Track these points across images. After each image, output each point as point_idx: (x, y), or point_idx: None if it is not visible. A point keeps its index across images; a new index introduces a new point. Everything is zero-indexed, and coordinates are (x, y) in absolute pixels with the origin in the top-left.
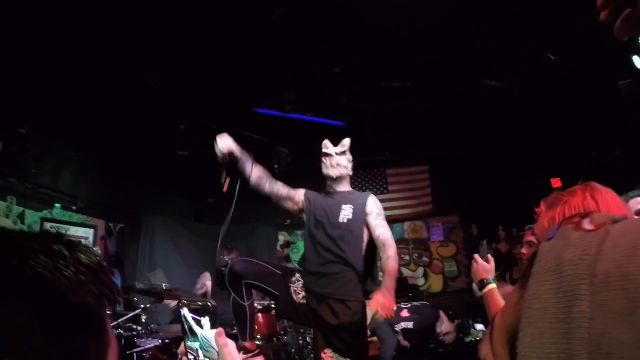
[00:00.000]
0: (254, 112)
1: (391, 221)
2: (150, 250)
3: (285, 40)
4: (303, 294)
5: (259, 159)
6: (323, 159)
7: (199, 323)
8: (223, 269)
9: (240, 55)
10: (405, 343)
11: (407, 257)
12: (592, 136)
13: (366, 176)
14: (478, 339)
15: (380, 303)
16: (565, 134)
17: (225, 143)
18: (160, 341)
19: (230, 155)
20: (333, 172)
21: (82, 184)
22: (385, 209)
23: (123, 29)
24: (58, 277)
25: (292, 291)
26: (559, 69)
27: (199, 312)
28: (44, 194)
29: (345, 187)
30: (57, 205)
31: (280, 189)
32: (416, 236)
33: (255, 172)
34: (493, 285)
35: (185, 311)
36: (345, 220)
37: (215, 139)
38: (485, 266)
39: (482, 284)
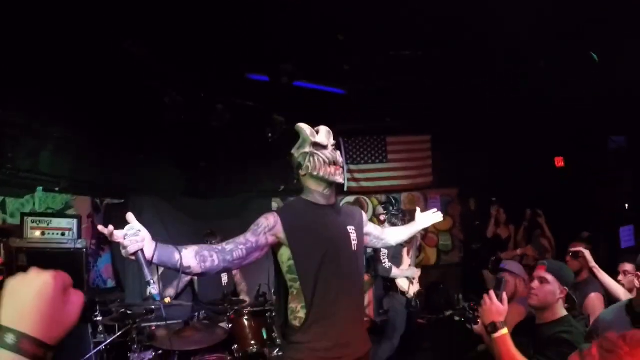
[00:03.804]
0: (246, 78)
1: (388, 191)
2: None
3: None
4: None
5: (251, 127)
6: (317, 152)
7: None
8: None
9: (232, 17)
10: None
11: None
12: (601, 118)
13: (364, 143)
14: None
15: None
16: (573, 114)
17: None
18: (154, 353)
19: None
20: (339, 178)
21: (63, 163)
22: (383, 178)
23: None
24: None
25: None
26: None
27: None
28: (24, 178)
29: (334, 194)
30: (38, 188)
31: (236, 251)
32: (413, 207)
33: (188, 258)
34: (505, 331)
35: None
36: (356, 247)
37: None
38: (499, 307)
39: (494, 327)
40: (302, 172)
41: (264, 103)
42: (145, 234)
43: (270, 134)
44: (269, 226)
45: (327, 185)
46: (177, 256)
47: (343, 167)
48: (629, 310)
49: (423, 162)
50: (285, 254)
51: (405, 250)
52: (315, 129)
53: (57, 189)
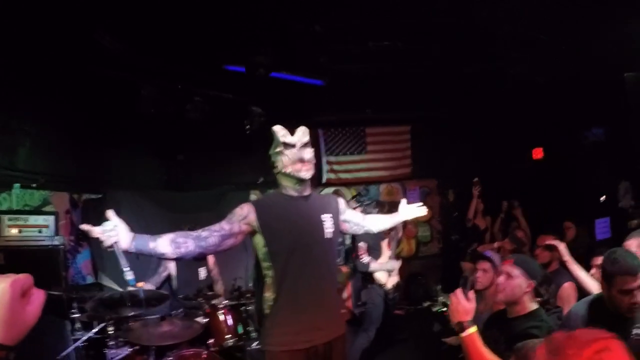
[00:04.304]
0: (223, 70)
1: (367, 183)
2: None
3: None
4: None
5: (228, 119)
6: (285, 151)
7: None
8: None
9: (208, 8)
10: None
11: None
12: (580, 111)
13: (343, 134)
14: (445, 309)
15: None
16: (552, 106)
17: (108, 243)
18: (130, 349)
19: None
20: (306, 174)
21: (40, 158)
22: (362, 169)
23: None
24: None
25: None
26: (559, 51)
27: None
28: (0, 175)
29: (309, 187)
30: (15, 185)
31: (210, 238)
32: (392, 199)
33: (163, 245)
34: (473, 329)
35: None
36: (331, 235)
37: None
38: (465, 305)
39: (461, 326)
40: (275, 171)
41: (242, 95)
42: (121, 227)
43: (248, 126)
44: (242, 215)
45: (296, 181)
46: (152, 244)
47: (321, 161)
48: (595, 305)
49: (402, 153)
50: (259, 242)
51: (385, 242)
52: (295, 129)
53: (34, 185)
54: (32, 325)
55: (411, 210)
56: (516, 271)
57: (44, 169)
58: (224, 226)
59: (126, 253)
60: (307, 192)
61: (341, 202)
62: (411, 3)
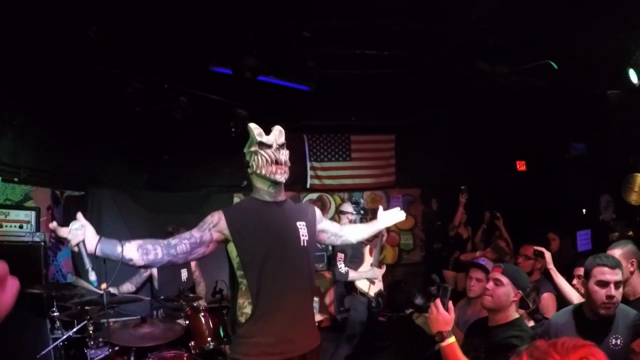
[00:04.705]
0: (210, 71)
1: (351, 190)
2: (98, 224)
3: None
4: None
5: (214, 121)
6: (261, 151)
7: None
8: None
9: (198, 9)
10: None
11: None
12: (564, 125)
13: (328, 141)
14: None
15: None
16: (536, 119)
17: (74, 242)
18: (110, 349)
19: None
20: (281, 177)
21: (23, 152)
22: (346, 176)
23: None
24: None
25: None
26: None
27: None
28: None
29: (283, 192)
30: None
31: (180, 245)
32: (375, 206)
33: (130, 251)
34: (452, 339)
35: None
36: (306, 243)
37: None
38: (445, 316)
39: (441, 336)
40: (249, 171)
41: (228, 97)
42: (88, 228)
43: (233, 129)
44: (212, 222)
45: (271, 183)
46: (119, 249)
47: (306, 167)
48: (576, 314)
49: (386, 162)
50: (233, 250)
51: (367, 250)
52: (271, 128)
53: (16, 179)
54: (5, 313)
55: (390, 216)
56: (505, 279)
57: (27, 163)
58: (194, 234)
59: (92, 255)
60: (281, 197)
61: (317, 211)
62: (399, 9)
